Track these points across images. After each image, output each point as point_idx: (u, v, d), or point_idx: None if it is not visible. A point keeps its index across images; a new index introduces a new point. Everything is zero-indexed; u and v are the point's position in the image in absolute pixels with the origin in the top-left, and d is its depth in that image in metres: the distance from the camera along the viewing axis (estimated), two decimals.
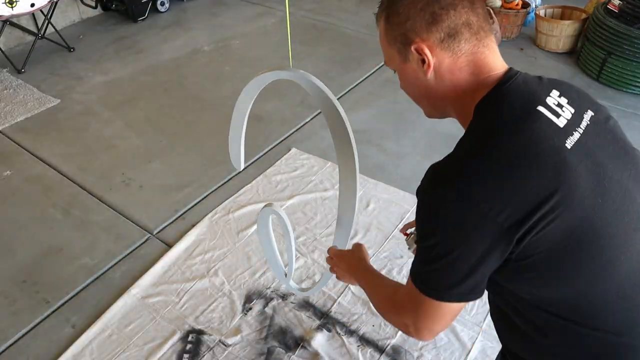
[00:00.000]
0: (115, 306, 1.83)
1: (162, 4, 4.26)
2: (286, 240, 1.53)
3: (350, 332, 1.73)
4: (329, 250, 1.32)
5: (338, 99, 3.03)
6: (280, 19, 4.12)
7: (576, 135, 0.83)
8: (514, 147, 0.79)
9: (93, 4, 4.15)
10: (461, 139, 0.85)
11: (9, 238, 2.17)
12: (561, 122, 0.83)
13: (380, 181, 2.37)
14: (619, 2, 2.97)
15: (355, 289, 1.87)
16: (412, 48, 0.87)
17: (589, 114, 0.88)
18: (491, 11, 3.56)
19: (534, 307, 0.87)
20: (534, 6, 3.77)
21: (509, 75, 0.87)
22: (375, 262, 1.97)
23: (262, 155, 2.60)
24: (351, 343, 1.70)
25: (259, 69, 3.59)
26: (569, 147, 0.80)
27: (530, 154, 0.78)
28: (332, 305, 1.82)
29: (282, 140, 2.72)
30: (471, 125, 0.86)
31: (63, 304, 1.88)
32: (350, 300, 1.84)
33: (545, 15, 3.54)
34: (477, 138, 0.83)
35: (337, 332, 1.73)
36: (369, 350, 1.67)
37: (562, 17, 3.57)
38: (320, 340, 1.70)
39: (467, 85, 0.88)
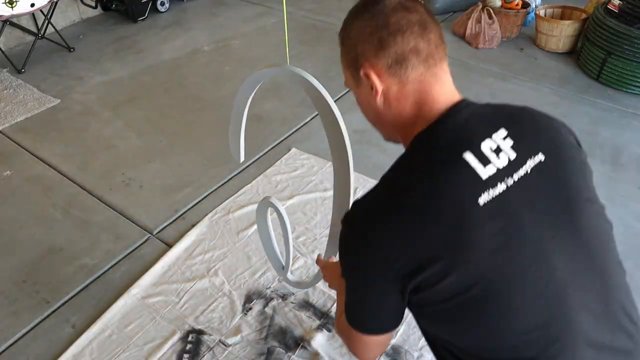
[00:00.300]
0: (115, 306, 1.83)
1: (162, 4, 4.26)
2: (283, 232, 1.53)
3: None
4: (317, 262, 1.34)
5: (338, 99, 3.03)
6: (280, 19, 4.12)
7: (499, 189, 0.78)
8: (422, 198, 0.77)
9: (93, 4, 4.15)
10: (385, 174, 0.86)
11: (9, 238, 2.17)
12: (487, 173, 0.78)
13: None
14: (619, 2, 2.97)
15: None
16: (361, 73, 0.87)
17: (536, 159, 0.82)
18: (491, 11, 3.56)
19: (444, 342, 0.89)
20: (534, 6, 3.77)
21: (453, 111, 0.84)
22: None
23: (262, 155, 2.61)
24: None
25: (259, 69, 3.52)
26: (481, 203, 0.76)
27: (434, 208, 0.76)
28: (332, 305, 1.82)
29: (282, 140, 2.72)
30: (398, 162, 0.86)
31: (63, 304, 1.88)
32: None
33: (545, 15, 3.54)
34: (395, 181, 0.84)
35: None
36: None
37: (562, 17, 3.57)
38: (320, 340, 1.70)
39: (410, 116, 0.87)
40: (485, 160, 0.79)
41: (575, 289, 0.79)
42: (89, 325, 1.77)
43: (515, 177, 0.80)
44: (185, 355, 1.67)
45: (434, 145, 0.83)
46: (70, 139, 2.78)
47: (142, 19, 4.13)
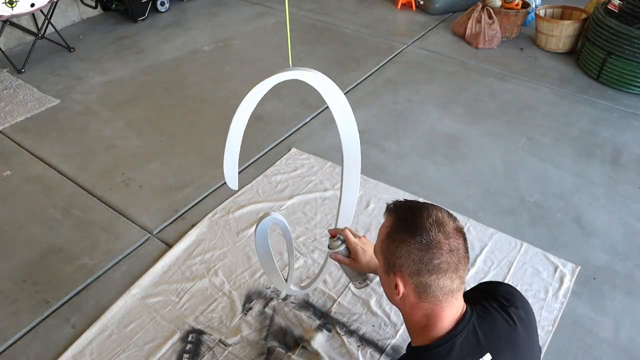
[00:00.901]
0: (115, 306, 1.83)
1: (162, 4, 4.26)
2: (287, 244, 1.53)
3: (350, 332, 1.73)
4: (347, 239, 1.45)
5: None
6: (280, 18, 4.12)
7: None
8: None
9: (93, 4, 4.15)
10: None
11: (9, 238, 2.18)
12: None
13: (380, 181, 2.37)
14: (619, 2, 2.97)
15: (355, 289, 1.87)
16: (392, 275, 1.05)
17: None
18: (491, 11, 3.56)
19: None
20: (534, 6, 3.77)
21: (452, 334, 1.03)
22: None
23: (262, 155, 2.61)
24: (351, 343, 1.69)
25: (259, 69, 3.57)
26: None
27: None
28: (332, 305, 1.82)
29: (282, 140, 2.72)
30: None
31: (63, 304, 1.88)
32: (350, 300, 1.84)
33: (545, 15, 3.54)
34: None
35: (337, 332, 1.73)
36: (369, 350, 1.67)
37: (562, 17, 3.57)
38: (320, 340, 1.70)
39: (420, 321, 1.06)
40: None
41: None
42: (89, 325, 1.77)
43: None
44: (185, 355, 1.67)
45: None
46: (70, 139, 2.78)
47: (142, 19, 4.14)
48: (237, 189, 1.55)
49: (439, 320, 1.04)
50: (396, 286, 1.04)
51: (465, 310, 1.07)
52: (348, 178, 1.43)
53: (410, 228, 1.01)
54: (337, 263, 1.50)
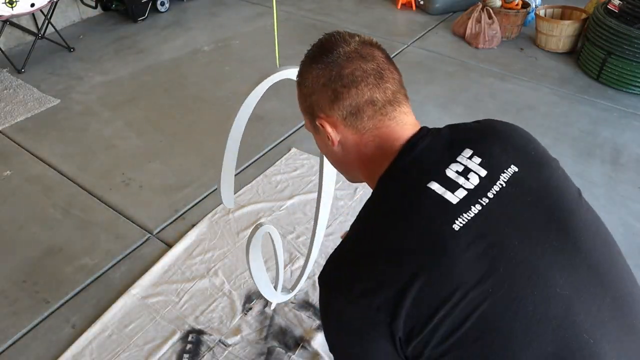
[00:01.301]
0: (115, 306, 1.83)
1: (162, 4, 4.26)
2: (278, 254, 1.52)
3: None
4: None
5: None
6: (281, 18, 4.12)
7: (474, 210, 0.74)
8: (395, 239, 0.74)
9: (93, 4, 4.15)
10: (354, 222, 0.85)
11: (9, 238, 2.17)
12: (456, 197, 0.75)
13: None
14: (619, 2, 2.97)
15: None
16: (317, 122, 0.87)
17: (508, 172, 0.78)
18: (491, 11, 3.56)
19: None
20: (534, 6, 3.77)
21: (410, 144, 0.82)
22: None
23: (262, 155, 2.61)
24: None
25: (259, 69, 3.57)
26: (456, 229, 0.72)
27: (408, 246, 0.73)
28: None
29: (282, 140, 2.72)
30: (365, 206, 0.85)
31: (63, 304, 1.88)
32: None
33: (545, 15, 3.54)
34: (364, 227, 0.82)
35: None
36: None
37: (562, 17, 3.57)
38: (320, 340, 1.70)
39: (373, 158, 0.85)
40: (452, 186, 0.76)
41: (583, 305, 0.71)
42: (89, 325, 1.77)
43: (490, 194, 0.75)
44: (185, 355, 1.67)
45: (397, 183, 0.80)
46: (70, 139, 2.78)
47: (142, 19, 4.13)
48: (233, 207, 1.54)
49: (391, 140, 0.83)
50: (328, 134, 0.85)
51: (423, 127, 0.86)
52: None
53: (312, 60, 0.88)
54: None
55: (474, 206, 0.74)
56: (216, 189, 2.37)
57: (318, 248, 1.70)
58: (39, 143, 2.75)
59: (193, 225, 2.18)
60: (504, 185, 0.77)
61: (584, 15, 3.44)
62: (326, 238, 2.10)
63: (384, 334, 0.73)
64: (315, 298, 1.85)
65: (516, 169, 0.79)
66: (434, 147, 0.81)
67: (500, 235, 0.73)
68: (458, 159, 0.79)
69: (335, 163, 0.95)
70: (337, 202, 2.26)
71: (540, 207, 0.76)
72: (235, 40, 3.83)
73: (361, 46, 0.84)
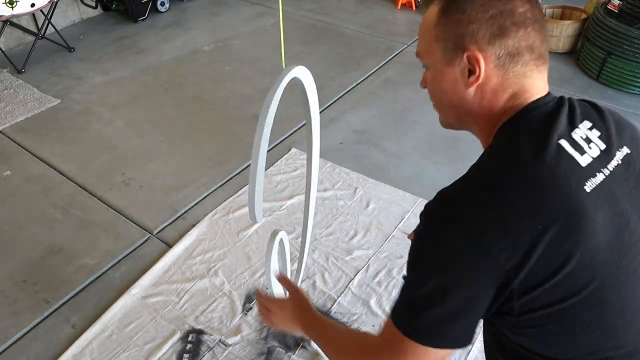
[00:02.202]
0: (115, 306, 1.83)
1: (162, 4, 4.26)
2: (282, 262, 1.51)
3: None
4: (258, 297, 1.18)
5: (338, 99, 3.03)
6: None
7: (599, 177, 0.73)
8: (526, 183, 0.71)
9: (93, 4, 4.15)
10: (476, 165, 0.79)
11: (9, 238, 2.18)
12: (584, 161, 0.74)
13: (380, 181, 2.37)
14: (619, 2, 2.97)
15: (355, 289, 1.87)
16: (465, 55, 0.77)
17: (622, 151, 0.79)
18: None
19: (527, 351, 0.79)
20: None
21: (542, 102, 0.78)
22: (375, 262, 1.97)
23: None
24: None
25: (259, 69, 3.56)
26: (587, 190, 0.71)
27: (542, 193, 0.70)
28: (332, 305, 1.82)
29: (282, 140, 2.72)
30: (488, 152, 0.80)
31: (63, 304, 1.88)
32: (350, 300, 1.84)
33: (545, 15, 3.54)
34: (490, 170, 0.77)
35: None
36: None
37: (562, 17, 3.57)
38: None
39: (501, 108, 0.80)
40: (580, 149, 0.75)
41: None
42: (89, 325, 1.78)
43: (610, 167, 0.76)
44: (185, 355, 1.67)
45: (527, 133, 0.76)
46: (70, 139, 2.78)
47: (142, 19, 4.14)
48: (260, 222, 1.50)
49: (528, 94, 0.78)
50: (471, 71, 0.78)
51: (549, 93, 0.82)
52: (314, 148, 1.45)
53: None
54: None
55: (599, 174, 0.74)
56: (215, 189, 2.38)
57: (307, 247, 1.69)
58: (39, 143, 2.75)
59: (193, 225, 2.18)
60: (619, 163, 0.77)
61: (583, 16, 3.44)
62: (326, 238, 2.10)
63: (494, 277, 0.70)
64: (315, 298, 1.85)
65: (629, 151, 0.80)
66: (559, 111, 0.78)
67: (621, 207, 0.74)
68: (580, 126, 0.78)
69: (450, 105, 0.87)
70: (337, 202, 2.27)
71: None
72: (235, 40, 3.83)
73: None
